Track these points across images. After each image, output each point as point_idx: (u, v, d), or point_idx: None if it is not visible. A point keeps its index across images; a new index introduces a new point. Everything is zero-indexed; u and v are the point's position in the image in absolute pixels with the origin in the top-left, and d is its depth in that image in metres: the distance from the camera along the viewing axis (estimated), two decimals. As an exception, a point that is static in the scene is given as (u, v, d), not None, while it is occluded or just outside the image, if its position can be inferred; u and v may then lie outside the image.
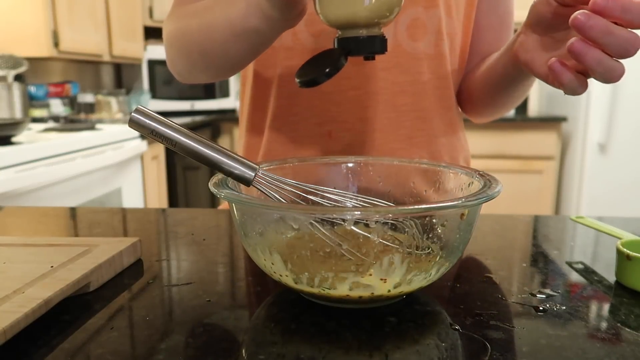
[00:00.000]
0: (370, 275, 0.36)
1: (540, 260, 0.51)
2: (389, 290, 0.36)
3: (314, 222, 0.36)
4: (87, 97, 2.60)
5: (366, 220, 0.36)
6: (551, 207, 2.92)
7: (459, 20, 0.69)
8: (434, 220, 0.37)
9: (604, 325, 0.37)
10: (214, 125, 3.08)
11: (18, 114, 2.07)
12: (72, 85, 2.59)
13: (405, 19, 0.64)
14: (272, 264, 0.38)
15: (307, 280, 0.36)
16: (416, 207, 0.34)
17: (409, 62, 0.66)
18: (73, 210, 0.73)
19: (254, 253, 0.39)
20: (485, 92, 0.69)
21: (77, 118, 2.51)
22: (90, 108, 2.61)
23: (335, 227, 0.37)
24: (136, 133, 2.14)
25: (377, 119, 0.66)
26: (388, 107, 0.67)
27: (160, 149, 2.44)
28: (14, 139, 1.61)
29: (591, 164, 2.78)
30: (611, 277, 0.45)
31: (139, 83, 3.06)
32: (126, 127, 2.16)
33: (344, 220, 0.36)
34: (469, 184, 0.44)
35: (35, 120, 2.27)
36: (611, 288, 0.43)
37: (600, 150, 2.76)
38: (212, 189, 0.38)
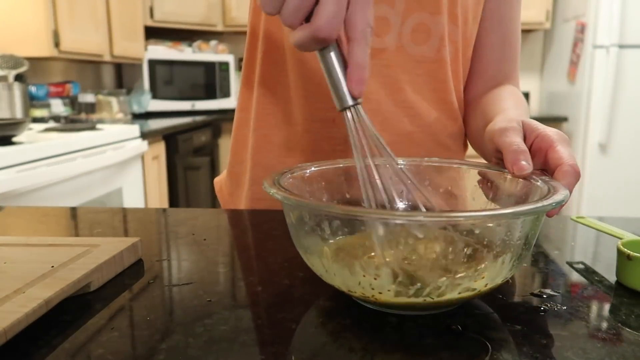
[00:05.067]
0: (483, 278, 0.35)
1: (540, 260, 0.51)
2: (483, 287, 0.36)
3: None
4: (88, 97, 2.60)
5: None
6: (552, 207, 2.90)
7: (466, 31, 0.70)
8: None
9: (604, 325, 0.37)
10: (214, 125, 3.08)
11: (19, 114, 2.07)
12: (72, 85, 2.59)
13: (411, 22, 0.66)
14: (375, 278, 0.35)
15: (415, 291, 0.34)
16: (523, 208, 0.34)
17: (410, 63, 0.68)
18: (74, 210, 0.73)
19: (344, 273, 0.36)
20: (472, 136, 0.74)
21: (78, 118, 2.51)
22: (91, 108, 2.61)
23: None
24: (137, 133, 2.14)
25: (379, 111, 0.68)
26: (389, 102, 0.68)
27: (161, 149, 2.44)
28: (14, 139, 1.61)
29: (592, 164, 2.78)
30: (612, 277, 0.45)
31: (140, 83, 3.06)
32: (127, 127, 2.16)
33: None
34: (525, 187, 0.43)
35: (36, 120, 2.27)
36: (612, 288, 0.43)
37: (600, 150, 2.76)
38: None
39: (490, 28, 0.73)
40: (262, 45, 0.70)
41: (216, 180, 0.85)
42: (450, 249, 0.37)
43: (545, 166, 0.44)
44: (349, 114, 0.40)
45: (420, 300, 0.35)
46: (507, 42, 0.74)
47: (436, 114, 0.71)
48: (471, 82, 0.75)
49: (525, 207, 0.34)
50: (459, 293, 0.35)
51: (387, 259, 0.36)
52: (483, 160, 0.56)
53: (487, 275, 0.35)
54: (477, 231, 0.38)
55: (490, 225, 0.37)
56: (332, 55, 0.39)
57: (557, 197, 0.35)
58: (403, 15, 0.65)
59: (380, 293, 0.35)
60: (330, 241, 0.39)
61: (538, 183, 0.41)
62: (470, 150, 0.78)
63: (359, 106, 0.40)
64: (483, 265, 0.36)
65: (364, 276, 0.35)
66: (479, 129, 0.65)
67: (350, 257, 0.37)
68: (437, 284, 0.34)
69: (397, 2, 0.65)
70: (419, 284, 0.34)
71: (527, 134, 0.47)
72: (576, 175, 0.41)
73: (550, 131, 0.46)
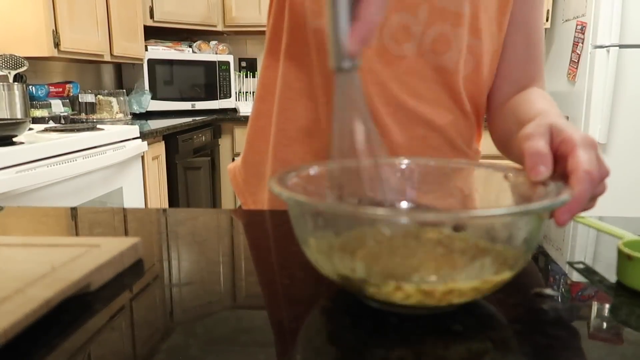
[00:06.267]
0: (472, 281, 0.35)
1: (541, 260, 0.51)
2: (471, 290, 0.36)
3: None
4: (88, 97, 2.61)
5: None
6: (552, 207, 2.90)
7: (489, 43, 0.70)
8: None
9: (605, 325, 0.37)
10: (214, 125, 3.08)
11: (19, 114, 2.07)
12: (72, 85, 2.59)
13: (432, 33, 0.66)
14: (351, 272, 0.35)
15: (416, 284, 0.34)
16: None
17: (429, 72, 0.68)
18: (74, 211, 0.73)
19: (344, 270, 0.35)
20: (500, 140, 0.72)
21: (78, 118, 2.51)
22: (91, 108, 2.61)
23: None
24: (137, 133, 2.14)
25: (396, 115, 0.69)
26: (407, 107, 0.69)
27: (161, 149, 2.44)
28: (15, 139, 1.61)
29: (592, 164, 2.77)
30: (612, 277, 0.45)
31: (140, 83, 3.06)
32: (127, 127, 2.16)
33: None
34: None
35: (36, 120, 2.27)
36: (612, 288, 0.43)
37: (600, 150, 2.75)
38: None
39: (513, 30, 0.72)
40: (286, 40, 0.70)
41: (230, 167, 0.86)
42: (436, 249, 0.37)
43: (566, 171, 0.41)
44: (342, 77, 0.37)
45: (404, 295, 0.34)
46: (531, 44, 0.73)
47: (451, 119, 0.71)
48: (496, 86, 0.74)
49: (514, 209, 0.34)
50: (447, 295, 0.34)
51: (360, 256, 0.35)
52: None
53: (477, 278, 0.35)
54: (466, 232, 0.38)
55: (481, 226, 0.37)
56: (344, 2, 0.36)
57: (550, 201, 0.34)
58: (425, 25, 0.66)
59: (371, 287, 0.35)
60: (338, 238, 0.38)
61: (549, 188, 0.38)
62: (483, 154, 0.79)
63: (354, 73, 0.37)
64: (469, 267, 0.35)
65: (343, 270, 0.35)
66: (512, 133, 0.61)
67: (334, 250, 0.36)
68: (422, 285, 0.34)
69: (419, 11, 0.65)
70: (417, 275, 0.34)
71: (553, 138, 0.43)
72: (591, 182, 0.38)
73: (575, 135, 0.42)
